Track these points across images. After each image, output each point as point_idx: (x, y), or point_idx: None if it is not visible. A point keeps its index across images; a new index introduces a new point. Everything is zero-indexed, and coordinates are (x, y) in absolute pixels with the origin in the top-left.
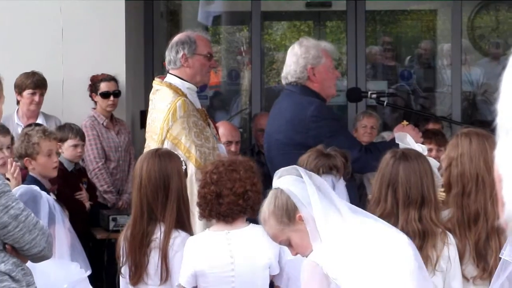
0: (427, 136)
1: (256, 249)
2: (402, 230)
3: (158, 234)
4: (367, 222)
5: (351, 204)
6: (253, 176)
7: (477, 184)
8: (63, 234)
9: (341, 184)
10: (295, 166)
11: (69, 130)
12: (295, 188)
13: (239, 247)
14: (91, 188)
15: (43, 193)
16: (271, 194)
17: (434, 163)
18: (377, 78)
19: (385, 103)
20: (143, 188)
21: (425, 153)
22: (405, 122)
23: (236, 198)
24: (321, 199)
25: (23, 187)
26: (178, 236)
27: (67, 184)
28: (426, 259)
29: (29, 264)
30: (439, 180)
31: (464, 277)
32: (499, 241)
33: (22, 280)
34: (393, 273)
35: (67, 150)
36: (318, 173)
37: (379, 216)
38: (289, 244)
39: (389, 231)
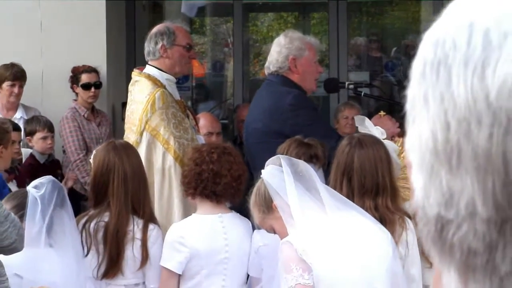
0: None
1: (245, 234)
2: None
3: (132, 226)
4: (350, 213)
5: (338, 194)
6: (244, 164)
7: None
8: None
9: (320, 174)
10: (279, 155)
11: (36, 123)
12: (272, 177)
13: (232, 230)
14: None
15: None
16: (256, 185)
17: (393, 146)
18: (361, 69)
19: (362, 94)
20: (129, 180)
21: (384, 136)
22: (382, 113)
23: (232, 179)
24: (298, 188)
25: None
26: (154, 229)
27: (38, 176)
28: None
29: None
30: (398, 165)
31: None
32: None
33: None
34: (368, 267)
35: (37, 143)
36: None
37: None
38: (274, 232)
39: (372, 227)
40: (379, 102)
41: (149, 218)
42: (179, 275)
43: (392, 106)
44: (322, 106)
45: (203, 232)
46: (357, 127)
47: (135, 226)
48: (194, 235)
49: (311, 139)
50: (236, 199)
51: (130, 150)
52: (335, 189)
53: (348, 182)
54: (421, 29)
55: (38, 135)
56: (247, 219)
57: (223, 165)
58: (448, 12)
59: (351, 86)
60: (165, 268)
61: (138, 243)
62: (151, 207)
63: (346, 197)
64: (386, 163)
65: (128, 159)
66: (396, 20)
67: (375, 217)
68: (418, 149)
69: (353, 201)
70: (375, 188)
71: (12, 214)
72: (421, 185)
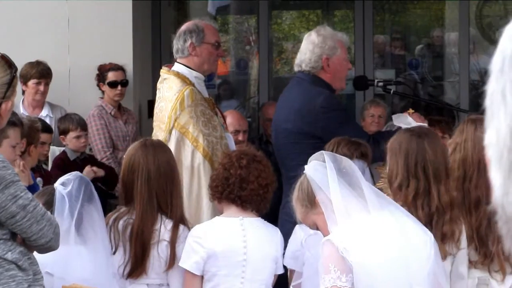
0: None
1: (267, 239)
2: (437, 207)
3: (158, 226)
4: (392, 213)
5: (382, 193)
6: (273, 174)
7: (479, 170)
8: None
9: (368, 172)
10: (322, 151)
11: (69, 122)
12: (315, 172)
13: (252, 233)
14: (107, 175)
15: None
16: (299, 180)
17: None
18: (385, 67)
19: (391, 91)
20: (153, 180)
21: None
22: (411, 110)
23: (258, 187)
24: (341, 184)
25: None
26: (183, 230)
27: (67, 173)
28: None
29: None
30: None
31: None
32: None
33: (28, 269)
34: (409, 268)
35: (71, 141)
36: (351, 158)
37: (413, 195)
38: (317, 228)
39: (414, 227)
40: (405, 100)
41: (179, 219)
42: (202, 277)
43: (418, 104)
44: (347, 104)
45: (220, 233)
46: (392, 124)
47: (162, 227)
48: (212, 236)
49: (356, 139)
50: (262, 208)
51: (159, 149)
52: (408, 179)
53: (423, 171)
54: (444, 27)
55: (72, 134)
56: (275, 227)
57: (251, 171)
58: None
59: (381, 84)
60: (186, 270)
61: (163, 244)
62: (181, 208)
63: (424, 186)
64: (447, 151)
65: (153, 158)
66: (419, 18)
67: (450, 202)
68: (496, 145)
69: (430, 189)
70: (445, 175)
71: (49, 212)
72: (500, 182)
